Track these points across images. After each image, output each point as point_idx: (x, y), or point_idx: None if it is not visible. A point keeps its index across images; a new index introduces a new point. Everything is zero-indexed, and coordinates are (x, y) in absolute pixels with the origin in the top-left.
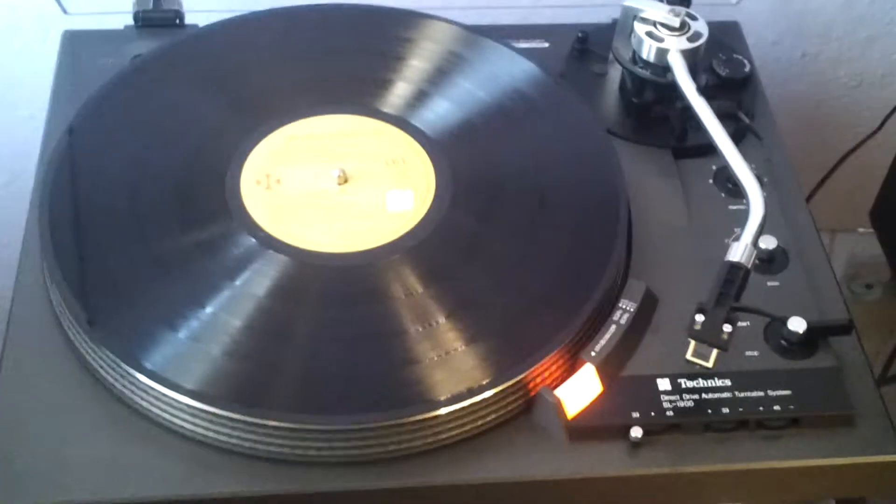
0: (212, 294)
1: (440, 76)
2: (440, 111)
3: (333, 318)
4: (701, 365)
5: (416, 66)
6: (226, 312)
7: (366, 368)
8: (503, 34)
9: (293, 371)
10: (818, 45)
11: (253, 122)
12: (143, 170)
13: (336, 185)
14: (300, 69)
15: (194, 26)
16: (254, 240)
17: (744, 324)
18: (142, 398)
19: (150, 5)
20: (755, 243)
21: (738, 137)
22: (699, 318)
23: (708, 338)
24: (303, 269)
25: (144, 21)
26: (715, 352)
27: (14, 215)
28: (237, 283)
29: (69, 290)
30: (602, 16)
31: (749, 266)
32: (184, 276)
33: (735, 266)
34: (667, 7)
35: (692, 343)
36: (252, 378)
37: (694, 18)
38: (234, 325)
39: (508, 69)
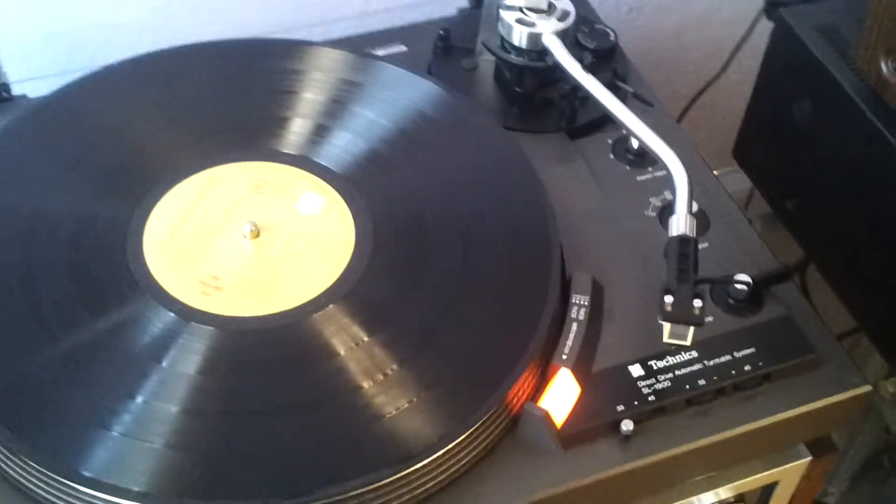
0: (139, 381)
1: (337, 107)
2: (343, 144)
3: (279, 385)
4: (679, 345)
5: (310, 98)
6: (159, 399)
7: (327, 435)
8: (359, 45)
9: (249, 451)
10: None
11: (143, 186)
12: (34, 261)
13: (249, 240)
14: (181, 119)
15: (23, 97)
16: (172, 314)
17: None
18: None
19: None
20: (691, 210)
21: None
22: (668, 299)
23: (682, 317)
24: (234, 337)
25: None
26: (691, 329)
27: None
28: (164, 364)
29: None
30: (439, 8)
31: (694, 235)
32: (104, 365)
33: (684, 239)
34: None
35: (667, 325)
36: (204, 467)
37: None
38: (171, 411)
39: (404, 90)
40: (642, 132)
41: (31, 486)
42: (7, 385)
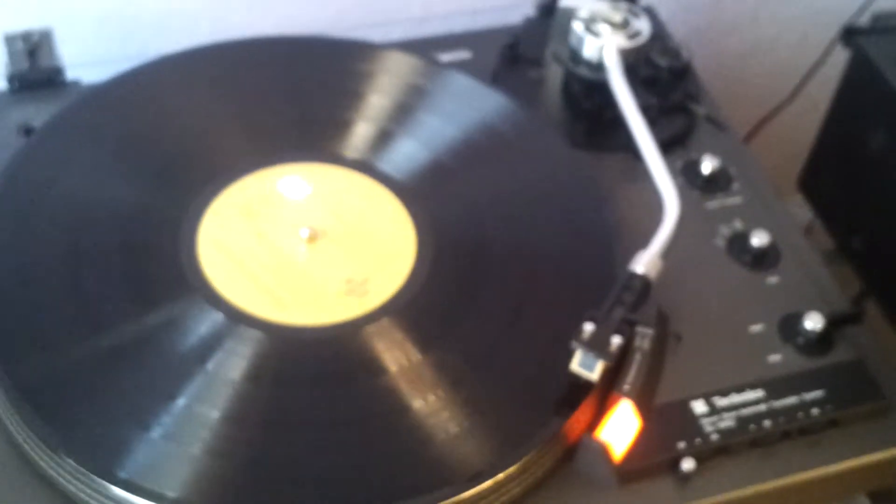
0: (181, 383)
1: (403, 113)
2: (407, 152)
3: (325, 398)
4: (585, 377)
5: (376, 102)
6: (201, 403)
7: (371, 454)
8: (421, 49)
9: (289, 464)
10: (710, 17)
11: (200, 181)
12: (84, 252)
13: (305, 245)
14: (242, 115)
15: (76, 82)
16: (221, 315)
17: (758, 328)
18: None
19: (27, 64)
20: (663, 253)
21: (689, 130)
22: (588, 326)
23: (594, 347)
24: (283, 344)
25: (22, 83)
26: (600, 363)
27: None
28: (208, 366)
29: (20, 394)
30: (501, 16)
31: (652, 278)
32: (147, 363)
33: (635, 276)
34: (609, 3)
35: (578, 353)
36: (242, 477)
37: (636, 15)
38: (212, 417)
39: (474, 100)
40: (653, 161)
41: (64, 481)
42: (48, 377)
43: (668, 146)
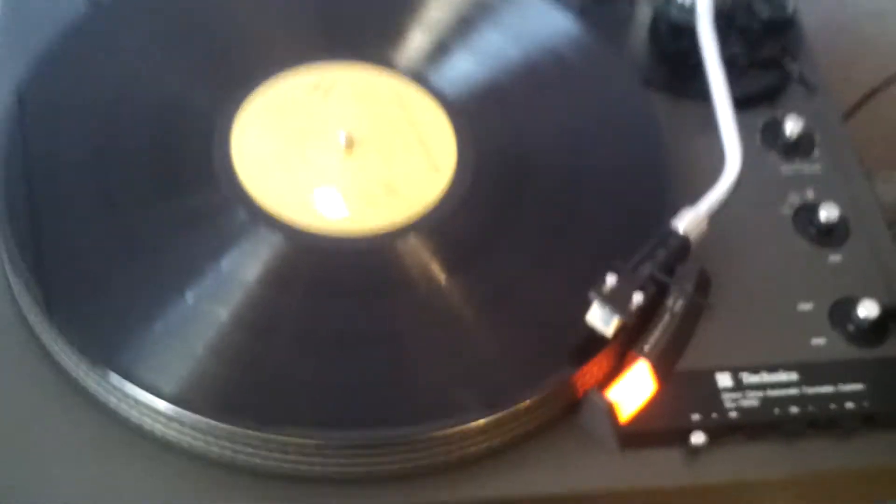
0: (192, 278)
1: (464, 27)
2: (462, 67)
3: (338, 312)
4: (600, 331)
5: (436, 13)
6: (210, 301)
7: (370, 374)
8: None
9: (291, 373)
10: None
11: (244, 73)
12: (112, 134)
13: (341, 151)
14: (294, 10)
15: None
16: (244, 213)
17: (807, 307)
18: (114, 400)
19: None
20: (711, 213)
21: (780, 87)
22: (611, 279)
23: (613, 301)
24: (304, 252)
25: None
26: (615, 319)
27: None
28: (223, 265)
29: (31, 277)
30: None
31: (693, 239)
32: (161, 255)
33: (675, 235)
34: None
35: (595, 305)
36: (242, 380)
37: None
38: (220, 317)
39: (541, 22)
40: (723, 113)
41: (68, 360)
42: (59, 259)
43: (752, 101)
